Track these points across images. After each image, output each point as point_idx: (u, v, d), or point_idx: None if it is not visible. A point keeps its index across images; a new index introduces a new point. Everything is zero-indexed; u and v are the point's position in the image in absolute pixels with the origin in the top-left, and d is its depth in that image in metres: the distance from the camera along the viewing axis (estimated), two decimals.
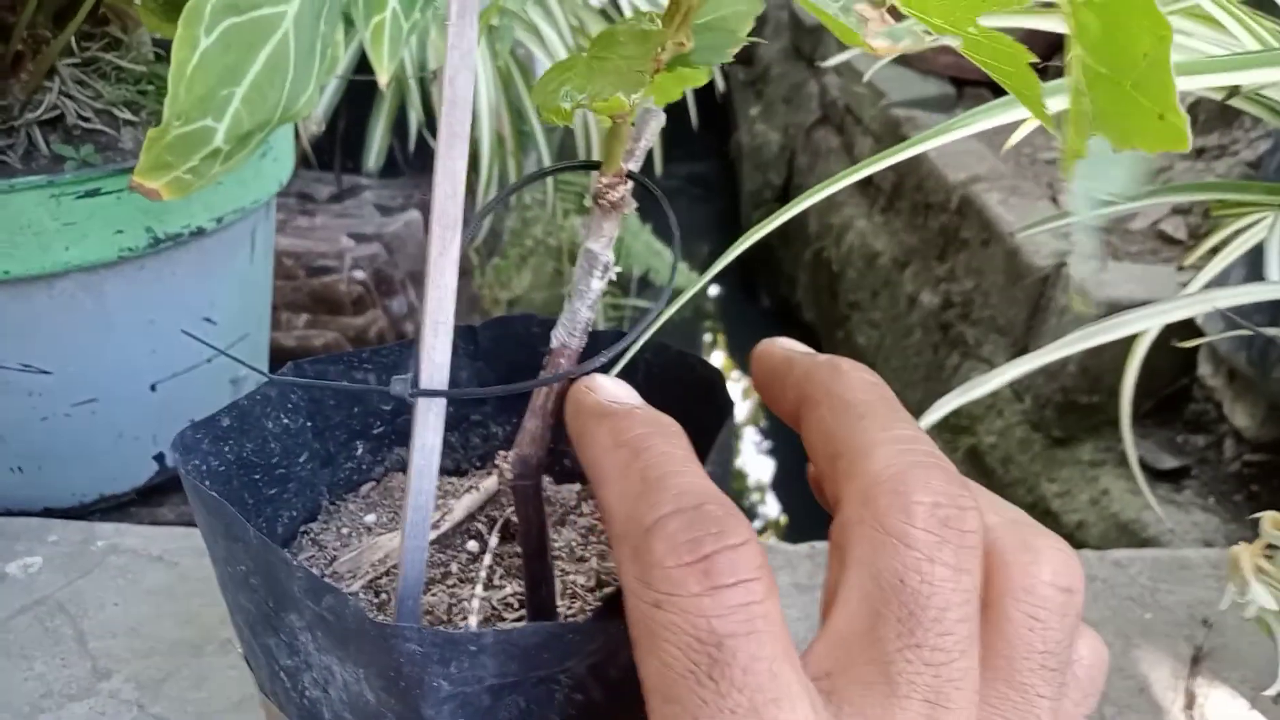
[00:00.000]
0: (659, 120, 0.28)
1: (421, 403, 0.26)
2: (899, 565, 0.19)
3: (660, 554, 0.19)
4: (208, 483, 0.31)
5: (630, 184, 0.27)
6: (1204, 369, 1.17)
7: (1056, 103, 0.35)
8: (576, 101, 0.23)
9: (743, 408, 2.27)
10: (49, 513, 0.63)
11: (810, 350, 0.26)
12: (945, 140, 0.39)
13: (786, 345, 0.26)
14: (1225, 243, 0.63)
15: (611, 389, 0.25)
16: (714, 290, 2.78)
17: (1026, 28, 0.50)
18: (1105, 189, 0.18)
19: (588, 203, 0.28)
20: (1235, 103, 0.43)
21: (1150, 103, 0.16)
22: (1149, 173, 1.49)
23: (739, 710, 0.18)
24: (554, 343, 0.28)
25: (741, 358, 2.48)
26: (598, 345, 0.28)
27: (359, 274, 0.97)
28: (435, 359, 0.26)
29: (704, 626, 0.18)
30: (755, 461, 2.18)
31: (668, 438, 0.22)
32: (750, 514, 2.04)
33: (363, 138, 1.25)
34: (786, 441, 2.11)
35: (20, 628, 0.50)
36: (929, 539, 0.19)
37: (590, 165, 0.28)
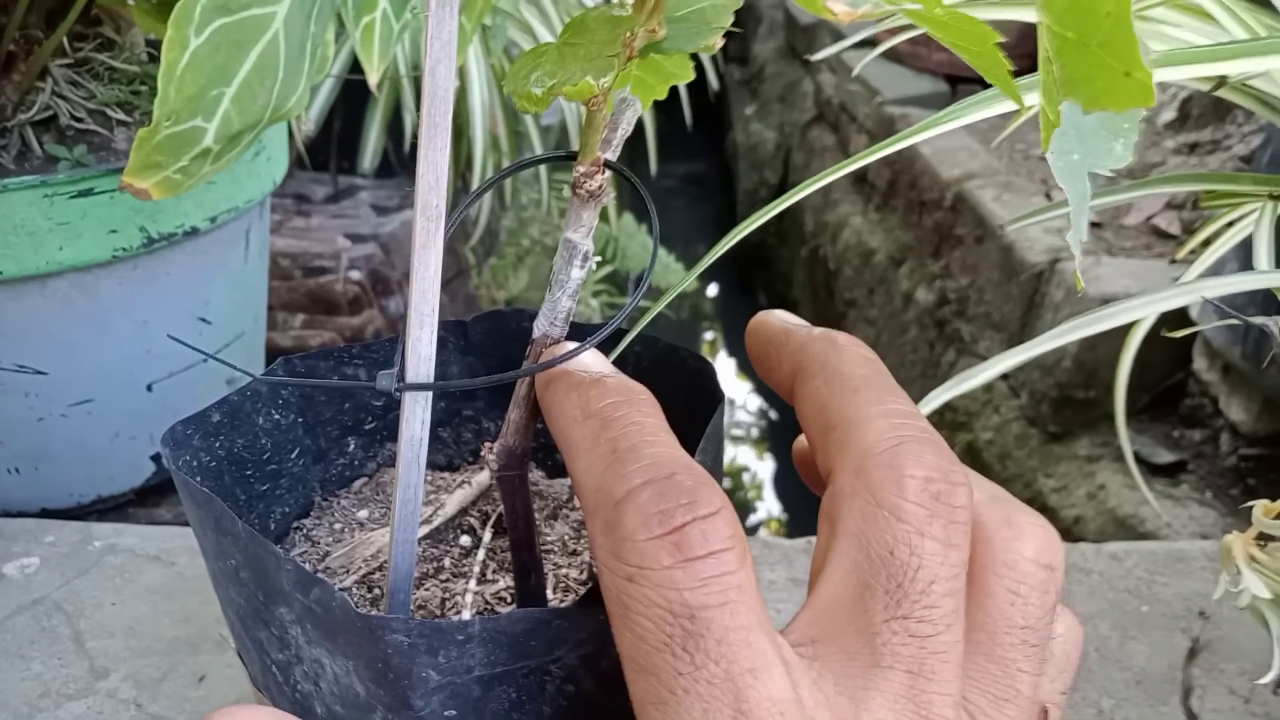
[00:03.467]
0: (635, 110, 0.28)
1: (409, 397, 0.26)
2: (889, 538, 0.19)
3: (631, 526, 0.19)
4: (199, 478, 0.31)
5: (608, 173, 0.27)
6: (1199, 363, 1.17)
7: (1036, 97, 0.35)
8: (547, 87, 0.23)
9: (740, 403, 2.27)
10: (46, 513, 0.63)
11: (805, 323, 0.26)
12: (939, 131, 0.39)
13: (783, 317, 0.26)
14: (1216, 235, 0.63)
15: (583, 359, 0.25)
16: (711, 289, 2.78)
17: (1011, 20, 0.51)
18: (1098, 162, 0.18)
19: (566, 193, 0.28)
20: (1224, 94, 0.43)
21: (1116, 61, 0.16)
22: (1142, 165, 1.49)
23: (715, 681, 0.18)
24: (535, 332, 0.28)
25: (739, 356, 2.48)
26: (580, 336, 0.28)
27: (355, 274, 0.97)
28: (420, 352, 0.26)
29: (677, 599, 0.18)
30: (750, 457, 2.18)
31: (638, 406, 0.22)
32: (747, 509, 2.04)
33: (358, 138, 1.25)
34: (781, 436, 2.11)
35: (18, 628, 0.50)
36: (920, 513, 0.19)
37: (570, 156, 0.29)
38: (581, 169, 0.26)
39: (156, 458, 0.65)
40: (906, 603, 0.19)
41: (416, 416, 0.27)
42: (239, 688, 0.47)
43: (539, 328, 0.28)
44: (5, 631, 0.50)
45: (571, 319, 0.28)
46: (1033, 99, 0.45)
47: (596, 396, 0.23)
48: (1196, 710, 0.47)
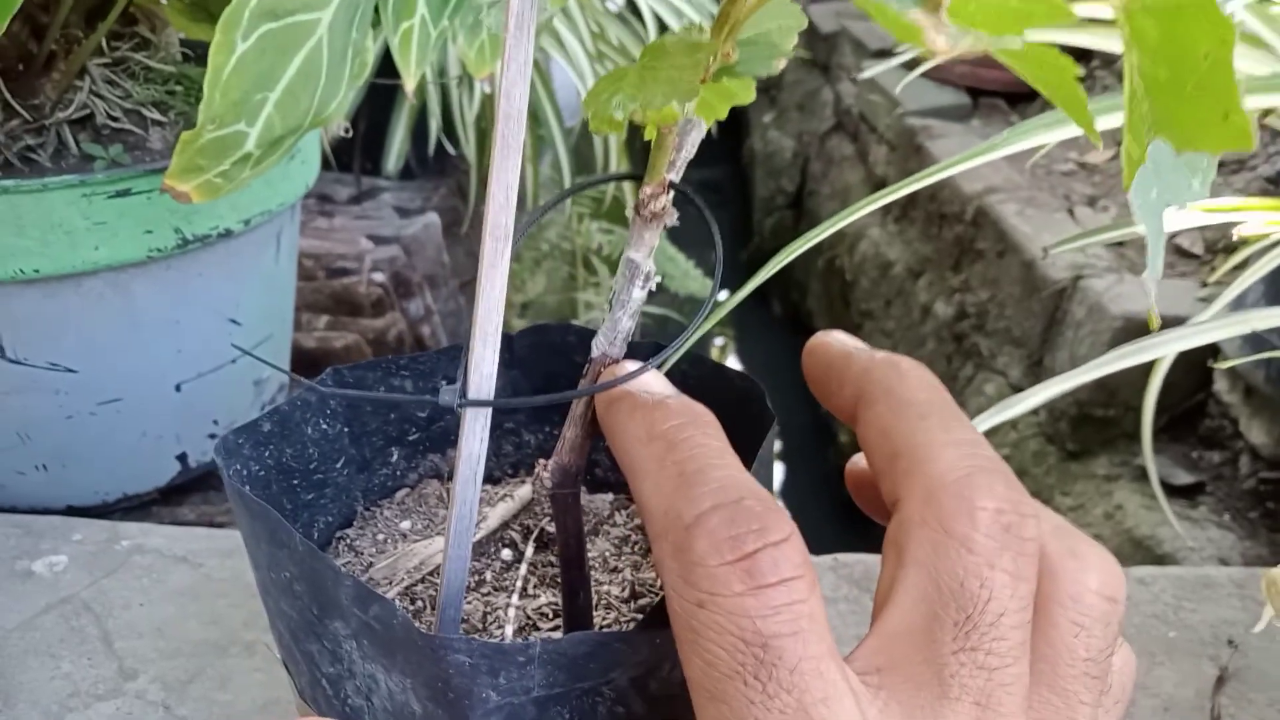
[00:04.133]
0: (700, 131, 0.28)
1: (469, 413, 0.26)
2: (960, 569, 0.19)
3: (702, 552, 0.19)
4: (248, 488, 0.31)
5: (671, 194, 0.27)
6: (1220, 385, 1.16)
7: (1104, 119, 0.35)
8: (629, 111, 0.23)
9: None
10: (72, 511, 0.63)
11: (866, 345, 0.26)
12: (980, 161, 0.39)
13: (842, 339, 0.26)
14: (1246, 263, 0.62)
15: (644, 380, 0.25)
16: (723, 296, 2.77)
17: (1056, 42, 0.50)
18: (1175, 198, 0.18)
19: (628, 213, 0.28)
20: (1271, 120, 0.43)
21: (1214, 103, 0.16)
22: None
23: (787, 711, 0.18)
24: (594, 351, 0.28)
25: (752, 364, 2.48)
26: (638, 356, 0.28)
27: (378, 276, 0.97)
28: (483, 370, 0.26)
29: (749, 627, 0.18)
30: (777, 473, 2.18)
31: (703, 428, 0.22)
32: None
33: (382, 140, 1.25)
34: (809, 454, 2.11)
35: (47, 626, 0.50)
36: (991, 545, 0.19)
37: (630, 177, 0.29)
38: (648, 190, 0.26)
39: (182, 457, 0.65)
40: (975, 635, 0.19)
41: (475, 434, 0.27)
42: (267, 692, 0.47)
43: (598, 347, 0.28)
44: (35, 629, 0.50)
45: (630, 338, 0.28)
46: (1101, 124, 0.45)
47: (661, 418, 0.23)
48: None
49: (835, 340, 0.26)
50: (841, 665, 0.19)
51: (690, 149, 0.28)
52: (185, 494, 0.68)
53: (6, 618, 0.51)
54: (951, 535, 0.20)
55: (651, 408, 0.23)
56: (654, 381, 0.25)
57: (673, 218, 0.28)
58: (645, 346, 0.32)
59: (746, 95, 0.30)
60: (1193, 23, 0.16)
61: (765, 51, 0.27)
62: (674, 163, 0.27)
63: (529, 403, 0.35)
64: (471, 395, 0.26)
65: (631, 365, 0.26)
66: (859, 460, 0.26)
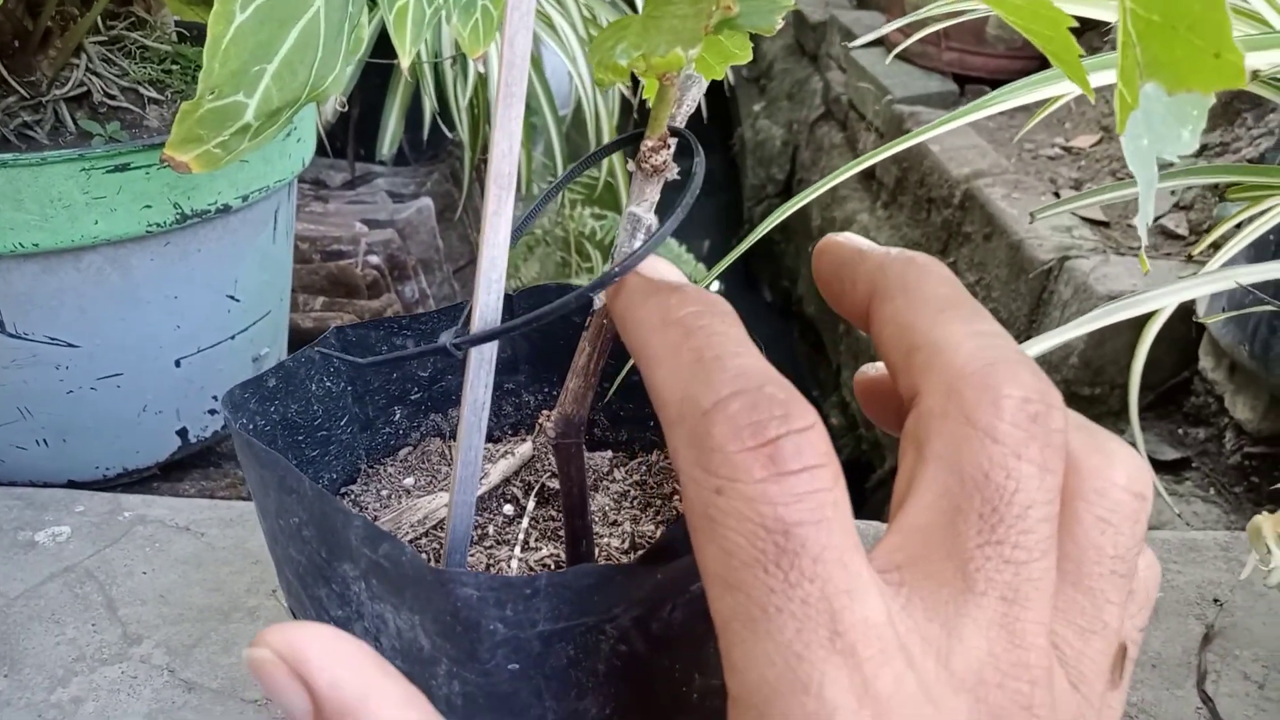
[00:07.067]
0: (700, 86, 0.29)
1: (474, 357, 0.27)
2: (984, 460, 0.19)
3: (721, 437, 0.18)
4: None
5: (672, 149, 0.28)
6: (1205, 362, 1.18)
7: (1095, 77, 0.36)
8: (633, 58, 0.23)
9: None
10: (72, 485, 0.63)
11: (877, 245, 0.25)
12: (954, 126, 0.40)
13: (855, 238, 0.25)
14: (1226, 239, 0.63)
15: (657, 266, 0.23)
16: (715, 284, 2.78)
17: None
18: (1166, 149, 0.19)
19: (630, 167, 0.29)
20: (1254, 88, 0.43)
21: (1206, 43, 0.17)
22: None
23: (809, 601, 0.17)
24: (596, 304, 0.29)
25: None
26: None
27: (373, 259, 0.98)
28: (486, 317, 0.27)
29: (770, 514, 0.17)
30: None
31: (720, 316, 0.21)
32: None
33: (376, 126, 1.25)
34: None
35: (51, 594, 0.51)
36: (1018, 435, 0.19)
37: (634, 137, 0.29)
38: (649, 143, 0.27)
39: (182, 432, 0.66)
40: (1002, 528, 0.18)
41: (480, 381, 0.27)
42: None
43: (600, 300, 0.28)
44: (39, 597, 0.51)
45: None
46: (1064, 87, 0.46)
47: (678, 304, 0.21)
48: (1211, 694, 0.48)
49: (847, 239, 0.25)
50: (865, 558, 0.18)
51: (690, 104, 0.29)
52: (185, 469, 0.69)
53: (10, 586, 0.51)
54: (975, 426, 0.19)
55: (667, 293, 0.22)
56: (667, 269, 0.24)
57: (673, 172, 0.28)
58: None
59: (744, 54, 0.31)
60: None
61: (766, 5, 0.28)
62: (674, 117, 0.28)
63: (531, 319, 0.34)
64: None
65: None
66: (868, 369, 0.26)
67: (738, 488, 0.18)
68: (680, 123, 0.28)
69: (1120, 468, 0.20)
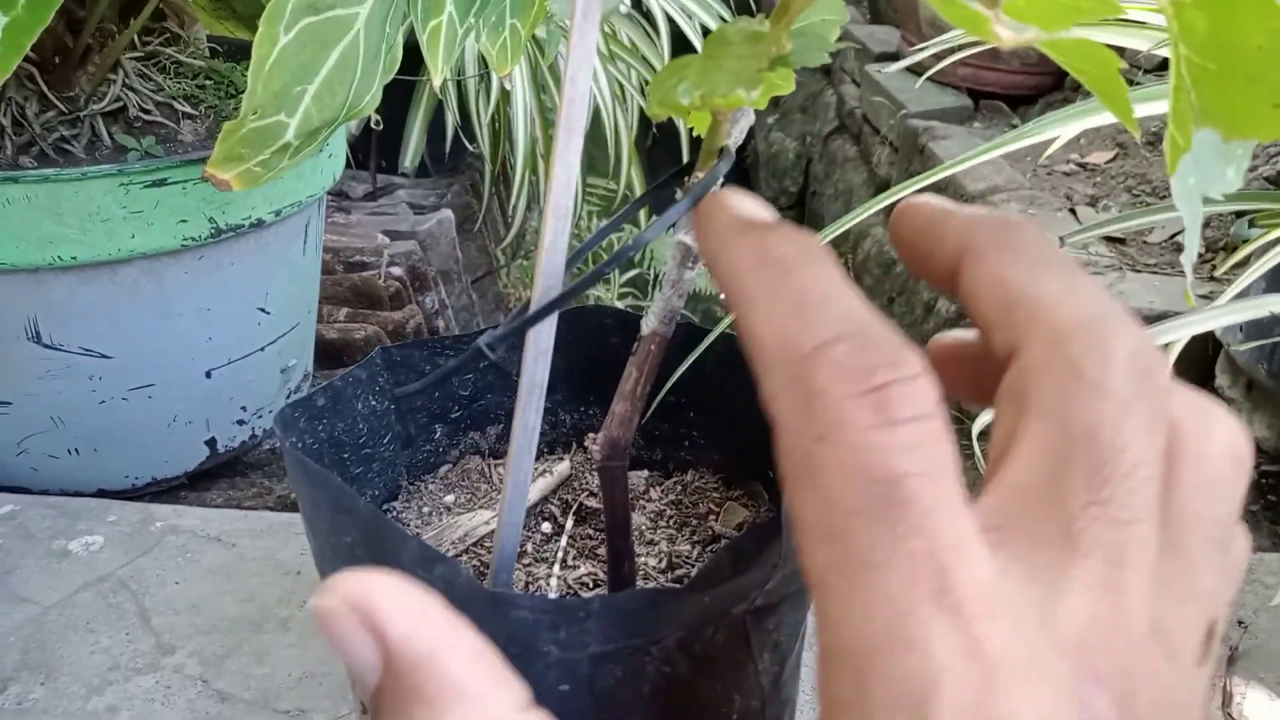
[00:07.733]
0: (749, 118, 0.30)
1: (523, 390, 0.27)
2: (1092, 416, 0.18)
3: (825, 382, 0.17)
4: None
5: (721, 179, 0.29)
6: (1222, 380, 1.18)
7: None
8: (694, 98, 0.24)
9: None
10: (102, 494, 0.64)
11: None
12: (988, 158, 0.40)
13: (940, 199, 0.24)
14: (1248, 260, 0.64)
15: (747, 203, 0.22)
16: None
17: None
18: (1212, 187, 0.19)
19: (679, 194, 0.29)
20: None
21: (1266, 94, 0.17)
22: (1166, 184, 1.50)
23: (916, 555, 0.16)
24: (644, 330, 0.30)
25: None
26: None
27: (396, 270, 0.98)
28: (540, 344, 0.28)
29: (879, 463, 0.16)
30: None
31: (820, 257, 0.20)
32: None
33: (398, 139, 1.26)
34: None
35: (85, 603, 0.51)
36: (1127, 389, 0.18)
37: (689, 168, 0.30)
38: (700, 174, 0.27)
39: (211, 442, 0.66)
40: (1108, 487, 0.17)
41: (531, 406, 0.28)
42: (303, 666, 0.48)
43: (648, 325, 0.29)
44: (73, 606, 0.51)
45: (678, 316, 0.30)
46: (1101, 119, 0.46)
47: (775, 243, 0.20)
48: (1236, 717, 0.48)
49: (932, 199, 0.24)
50: (973, 515, 0.17)
51: (739, 134, 0.29)
52: (212, 479, 0.70)
53: (45, 595, 0.52)
54: (1083, 379, 0.18)
55: (764, 230, 0.21)
56: (756, 207, 0.22)
57: None
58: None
59: (788, 85, 0.32)
60: (1245, 16, 0.17)
61: (815, 42, 0.29)
62: (726, 149, 0.29)
63: (597, 274, 0.32)
64: (527, 360, 0.27)
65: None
66: (944, 336, 0.24)
67: (843, 435, 0.17)
68: (730, 153, 0.29)
69: (1221, 433, 0.19)
